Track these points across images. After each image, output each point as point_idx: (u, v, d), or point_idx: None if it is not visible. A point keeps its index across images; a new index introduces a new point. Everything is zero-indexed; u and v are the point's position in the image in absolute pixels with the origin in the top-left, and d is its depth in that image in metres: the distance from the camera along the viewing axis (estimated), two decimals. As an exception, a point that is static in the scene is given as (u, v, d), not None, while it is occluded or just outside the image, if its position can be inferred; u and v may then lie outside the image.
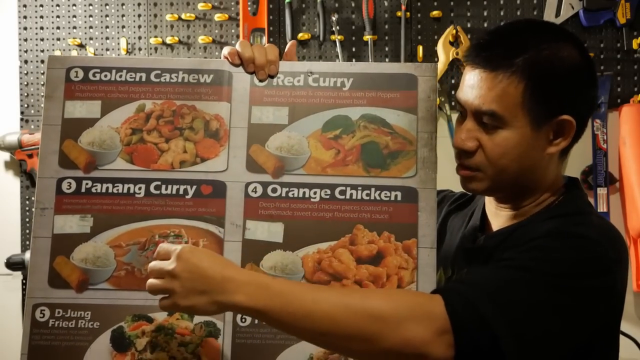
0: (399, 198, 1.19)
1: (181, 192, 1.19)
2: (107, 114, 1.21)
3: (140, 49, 2.38)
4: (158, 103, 1.21)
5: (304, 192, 1.19)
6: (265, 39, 2.30)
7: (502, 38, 1.20)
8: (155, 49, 2.38)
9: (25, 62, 2.39)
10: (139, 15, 2.38)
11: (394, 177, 1.19)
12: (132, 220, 1.18)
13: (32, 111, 2.38)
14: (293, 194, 1.19)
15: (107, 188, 1.19)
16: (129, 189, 1.19)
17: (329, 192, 1.19)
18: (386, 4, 2.34)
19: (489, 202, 1.32)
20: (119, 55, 2.37)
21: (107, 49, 2.38)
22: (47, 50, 2.39)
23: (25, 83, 2.38)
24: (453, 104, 2.27)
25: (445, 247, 1.36)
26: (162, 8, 2.37)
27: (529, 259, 1.09)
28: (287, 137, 1.20)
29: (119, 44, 2.37)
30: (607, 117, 2.29)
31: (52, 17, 2.38)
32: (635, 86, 2.31)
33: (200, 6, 2.35)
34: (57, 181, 1.19)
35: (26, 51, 2.39)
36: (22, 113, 2.38)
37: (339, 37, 2.31)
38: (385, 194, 1.19)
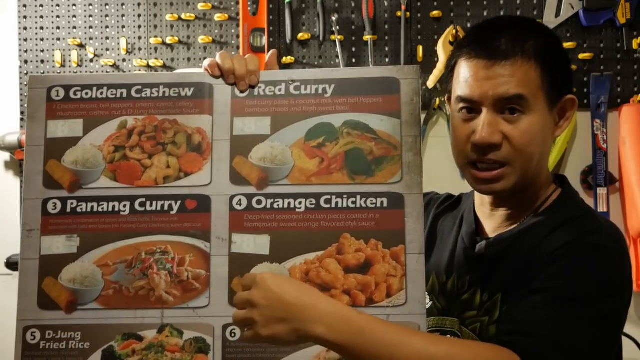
0: (385, 204, 1.16)
1: (166, 208, 1.17)
2: (89, 132, 1.19)
3: (140, 49, 2.33)
4: (140, 119, 1.19)
5: (289, 203, 1.16)
6: (265, 38, 2.28)
7: (502, 29, 1.20)
8: (155, 49, 2.34)
9: (25, 62, 2.35)
10: (139, 15, 2.34)
11: (380, 183, 1.16)
12: (118, 238, 1.17)
13: None
14: (278, 205, 1.17)
15: (92, 207, 1.17)
16: (114, 207, 1.17)
17: (314, 201, 1.16)
18: (386, 4, 2.30)
19: (482, 204, 1.28)
20: (118, 55, 2.34)
21: (107, 49, 2.33)
22: (47, 50, 2.34)
23: (25, 83, 2.33)
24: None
25: (437, 252, 1.32)
26: (162, 8, 2.33)
27: (564, 287, 1.07)
28: (270, 148, 1.18)
29: (119, 44, 2.33)
30: (607, 117, 2.25)
31: (52, 17, 2.34)
32: (635, 86, 2.27)
33: (200, 6, 2.31)
34: (43, 202, 1.17)
35: (26, 51, 2.35)
36: (22, 113, 2.34)
37: (339, 37, 2.28)
38: (371, 201, 1.16)
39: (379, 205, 1.16)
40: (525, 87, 1.15)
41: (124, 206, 1.17)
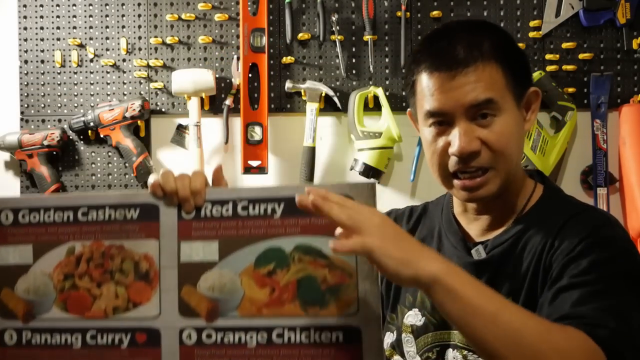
0: (341, 339, 1.05)
1: (116, 341, 1.12)
2: (39, 258, 1.15)
3: (140, 49, 2.30)
4: (87, 244, 1.14)
5: (239, 338, 1.08)
6: (265, 38, 2.25)
7: (454, 37, 1.18)
8: (156, 49, 2.31)
9: (25, 62, 2.31)
10: (139, 15, 2.31)
11: (334, 315, 1.06)
12: None
13: (32, 111, 2.30)
14: (229, 340, 1.09)
15: (46, 339, 1.13)
16: (66, 340, 1.13)
17: (265, 335, 1.07)
18: (386, 4, 2.27)
19: (465, 211, 1.26)
20: (118, 55, 2.30)
21: (107, 49, 2.30)
22: (47, 50, 2.30)
23: (25, 83, 2.31)
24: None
25: None
26: (162, 8, 2.29)
27: (600, 279, 1.07)
28: (218, 276, 1.10)
29: (119, 44, 2.29)
30: (607, 117, 2.22)
31: (52, 17, 2.30)
32: (635, 86, 2.24)
33: (200, 6, 2.27)
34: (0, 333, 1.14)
35: (26, 51, 2.31)
36: (22, 113, 2.31)
37: (339, 37, 2.25)
38: (326, 335, 1.06)
39: (334, 339, 1.06)
40: (492, 90, 1.15)
41: (76, 339, 1.13)
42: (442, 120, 1.17)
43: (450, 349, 1.21)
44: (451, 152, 1.17)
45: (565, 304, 1.06)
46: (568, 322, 1.02)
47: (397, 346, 1.29)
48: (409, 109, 1.29)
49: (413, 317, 1.27)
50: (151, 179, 1.12)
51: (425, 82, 1.18)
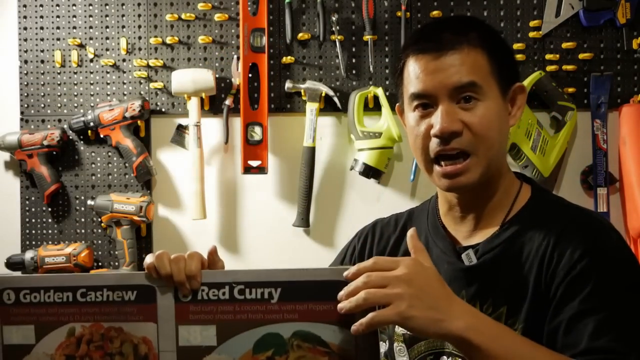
0: None
1: None
2: (41, 339, 1.15)
3: (140, 49, 2.29)
4: (87, 326, 1.14)
5: None
6: (265, 38, 2.24)
7: (444, 25, 1.21)
8: (156, 49, 2.30)
9: (25, 62, 2.30)
10: (139, 15, 2.30)
11: None
12: None
13: (32, 111, 2.29)
14: None
15: None
16: None
17: None
18: (386, 4, 2.26)
19: (450, 209, 1.24)
20: (118, 55, 2.30)
21: (107, 49, 2.29)
22: (47, 50, 2.29)
23: (25, 83, 2.30)
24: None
25: None
26: (162, 8, 2.29)
27: (614, 300, 1.07)
28: None
29: (119, 44, 2.28)
30: (607, 117, 2.21)
31: (52, 17, 2.29)
32: (635, 86, 2.23)
33: (200, 6, 2.26)
34: None
35: (26, 51, 2.30)
36: (22, 113, 2.30)
37: (339, 37, 2.24)
38: None
39: None
40: (476, 74, 1.15)
41: None
42: (427, 103, 1.17)
43: (445, 357, 1.19)
44: (432, 133, 1.16)
45: (582, 336, 1.06)
46: (590, 358, 1.03)
47: (389, 356, 1.27)
48: (397, 104, 1.28)
49: None
50: (147, 260, 1.11)
51: (412, 65, 1.19)
